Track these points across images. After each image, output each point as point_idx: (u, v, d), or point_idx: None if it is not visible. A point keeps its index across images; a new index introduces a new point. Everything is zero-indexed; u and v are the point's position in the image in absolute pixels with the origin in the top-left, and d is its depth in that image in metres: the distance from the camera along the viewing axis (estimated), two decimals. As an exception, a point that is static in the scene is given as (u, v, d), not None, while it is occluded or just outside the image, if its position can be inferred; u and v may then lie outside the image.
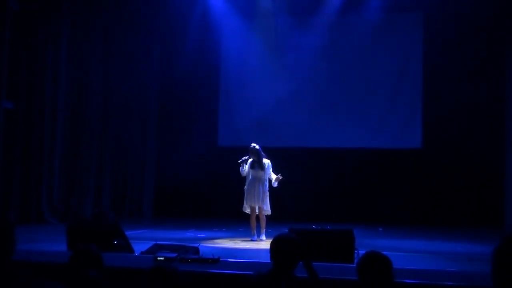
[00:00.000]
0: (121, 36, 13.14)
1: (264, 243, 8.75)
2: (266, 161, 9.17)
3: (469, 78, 12.42)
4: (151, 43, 13.86)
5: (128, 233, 7.05)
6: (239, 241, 9.06)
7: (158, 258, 5.45)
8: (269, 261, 3.64)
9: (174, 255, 5.55)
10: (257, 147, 9.15)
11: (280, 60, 13.49)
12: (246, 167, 9.09)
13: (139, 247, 6.62)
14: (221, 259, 5.44)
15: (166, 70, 14.09)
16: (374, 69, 13.23)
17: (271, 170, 9.14)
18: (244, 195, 9.21)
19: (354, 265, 3.78)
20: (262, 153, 9.16)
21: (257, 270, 3.64)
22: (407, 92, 13.09)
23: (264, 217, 9.17)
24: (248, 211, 9.21)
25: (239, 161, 9.11)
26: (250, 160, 9.10)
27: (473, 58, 12.36)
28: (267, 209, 9.14)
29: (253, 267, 5.20)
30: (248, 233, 9.39)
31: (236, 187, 9.93)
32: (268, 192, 9.17)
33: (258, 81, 13.51)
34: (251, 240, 9.02)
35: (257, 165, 9.10)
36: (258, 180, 9.09)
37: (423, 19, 13.02)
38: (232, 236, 9.73)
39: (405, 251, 7.96)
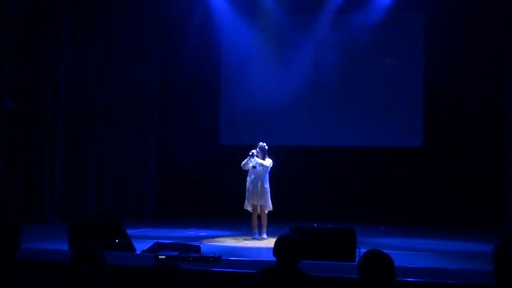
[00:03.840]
0: (122, 34, 13.12)
1: (266, 242, 8.77)
2: (269, 160, 9.22)
3: (470, 78, 12.40)
4: (152, 41, 13.84)
5: (130, 231, 7.06)
6: (240, 240, 9.08)
7: (160, 257, 5.45)
8: (271, 259, 3.70)
9: (176, 253, 5.55)
10: (266, 146, 9.26)
11: (282, 58, 13.47)
12: (251, 163, 9.12)
13: (140, 246, 6.64)
14: (222, 258, 5.44)
15: (167, 68, 14.07)
16: (375, 68, 13.23)
17: (269, 163, 9.21)
18: (245, 193, 9.25)
19: (356, 263, 3.78)
20: (267, 154, 9.25)
21: (258, 268, 3.68)
22: (409, 91, 13.09)
23: (266, 216, 9.19)
24: (249, 208, 9.25)
25: (249, 153, 9.17)
26: (254, 161, 9.12)
27: (475, 57, 12.34)
28: (269, 205, 9.18)
29: (254, 266, 5.20)
30: (249, 231, 9.40)
31: (237, 185, 9.94)
32: (269, 189, 9.21)
33: (260, 80, 13.49)
34: (253, 239, 9.04)
35: (259, 164, 9.14)
36: (259, 178, 9.14)
37: (424, 18, 13.02)
38: (233, 235, 9.74)
39: (406, 250, 7.98)
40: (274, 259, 3.77)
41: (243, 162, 9.21)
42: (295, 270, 3.70)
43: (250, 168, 9.20)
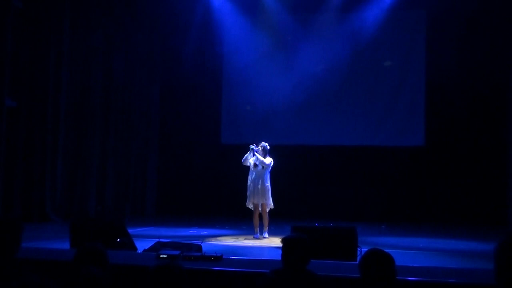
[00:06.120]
0: (123, 33, 13.14)
1: (267, 241, 8.78)
2: (269, 159, 9.22)
3: (471, 76, 12.41)
4: (153, 41, 13.85)
5: (131, 230, 7.06)
6: (241, 239, 9.08)
7: (161, 256, 5.45)
8: (273, 258, 3.68)
9: (177, 252, 5.55)
10: (268, 146, 9.31)
11: (283, 58, 13.49)
12: (251, 159, 9.15)
13: (142, 245, 6.63)
14: (224, 257, 5.43)
15: (169, 68, 14.08)
16: (376, 67, 13.23)
17: (269, 162, 9.23)
18: (247, 191, 9.27)
19: (357, 262, 3.78)
20: (268, 153, 9.27)
21: (259, 267, 3.67)
22: (410, 90, 13.10)
23: (267, 215, 9.19)
24: (251, 206, 9.27)
25: (250, 146, 9.21)
26: (255, 158, 9.15)
27: (476, 56, 12.34)
28: (270, 203, 9.20)
29: (255, 265, 5.20)
30: (250, 230, 9.40)
31: (239, 184, 9.95)
32: (269, 187, 9.21)
33: (261, 79, 13.50)
34: (254, 238, 9.05)
35: (260, 161, 9.15)
36: (259, 177, 9.17)
37: (426, 17, 13.01)
38: (235, 234, 9.74)
39: (407, 249, 7.98)
40: (275, 258, 3.75)
41: (243, 158, 9.24)
42: (304, 271, 3.64)
43: (251, 166, 9.22)
